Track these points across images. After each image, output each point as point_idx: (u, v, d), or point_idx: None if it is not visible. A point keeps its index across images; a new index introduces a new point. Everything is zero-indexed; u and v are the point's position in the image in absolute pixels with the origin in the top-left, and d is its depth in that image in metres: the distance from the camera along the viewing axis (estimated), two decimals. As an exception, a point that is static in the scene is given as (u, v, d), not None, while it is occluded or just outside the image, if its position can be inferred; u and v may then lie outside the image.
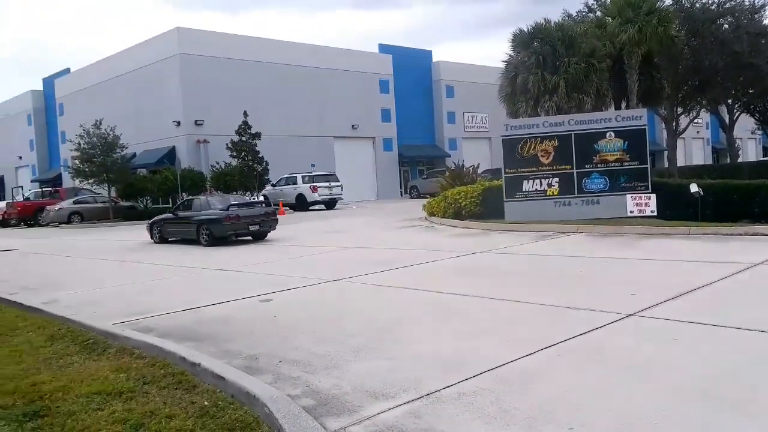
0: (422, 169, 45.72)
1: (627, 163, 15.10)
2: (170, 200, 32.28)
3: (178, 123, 34.57)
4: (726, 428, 3.50)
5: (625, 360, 4.74)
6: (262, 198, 23.97)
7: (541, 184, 15.58)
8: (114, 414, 4.16)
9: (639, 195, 14.83)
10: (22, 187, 43.48)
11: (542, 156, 15.60)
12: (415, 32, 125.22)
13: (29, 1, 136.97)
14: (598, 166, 15.25)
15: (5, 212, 33.35)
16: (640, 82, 27.11)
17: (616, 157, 15.18)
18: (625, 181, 15.06)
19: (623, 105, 28.19)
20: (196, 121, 34.47)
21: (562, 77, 24.65)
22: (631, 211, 14.76)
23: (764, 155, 62.94)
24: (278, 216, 18.26)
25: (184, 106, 34.27)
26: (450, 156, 43.74)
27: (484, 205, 16.67)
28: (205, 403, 4.24)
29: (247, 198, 27.01)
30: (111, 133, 30.39)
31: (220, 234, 15.74)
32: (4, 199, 43.14)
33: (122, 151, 31.00)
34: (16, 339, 6.51)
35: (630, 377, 4.37)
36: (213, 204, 16.80)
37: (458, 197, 17.25)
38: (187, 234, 16.62)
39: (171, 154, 34.59)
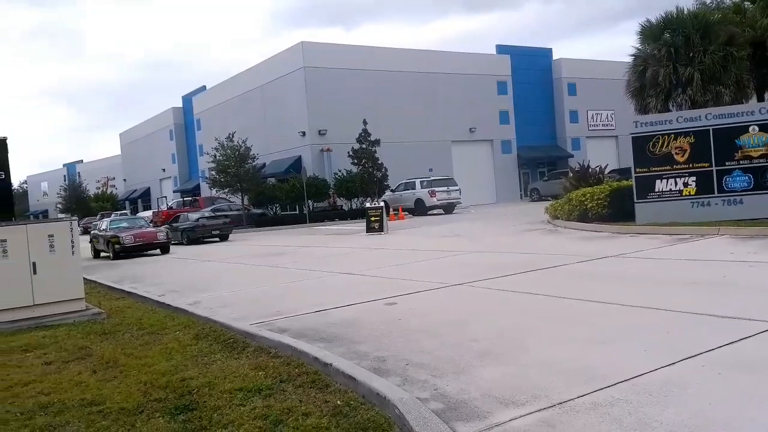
0: (543, 171, 44.49)
1: (775, 159, 13.81)
2: (297, 207, 33.78)
3: (303, 133, 36.14)
4: None
5: (781, 374, 4.34)
6: (380, 203, 24.34)
7: (675, 184, 14.64)
8: (255, 410, 4.42)
9: (791, 193, 13.50)
10: (165, 197, 47.52)
11: (677, 153, 14.66)
12: (531, 31, 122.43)
13: (168, 27, 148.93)
14: (741, 162, 14.08)
15: (152, 220, 36.52)
16: (786, 70, 24.66)
17: (760, 152, 13.94)
18: (773, 178, 13.78)
19: (767, 96, 25.80)
20: (319, 130, 35.86)
21: (696, 69, 22.99)
22: (780, 211, 13.46)
23: None
24: (398, 220, 19.04)
25: (308, 117, 35.78)
26: (573, 156, 42.25)
27: (611, 207, 15.91)
28: (338, 402, 4.40)
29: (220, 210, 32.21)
30: (243, 145, 32.35)
31: (193, 237, 24.36)
32: (150, 209, 47.32)
33: (253, 161, 32.92)
34: (166, 337, 7.10)
35: (787, 393, 3.99)
36: (191, 218, 26.25)
37: (584, 199, 16.60)
38: (175, 238, 23.81)
39: (297, 163, 36.23)
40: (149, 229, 21.74)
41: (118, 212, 42.72)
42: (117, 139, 68.27)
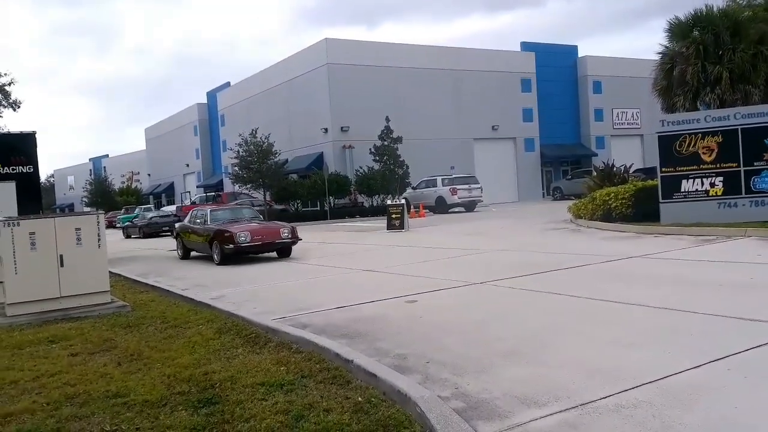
0: (566, 169, 44.07)
1: (805, 160, 13.51)
2: (318, 203, 33.91)
3: (326, 130, 36.24)
4: None
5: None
6: (401, 200, 24.29)
7: (702, 184, 14.41)
8: (277, 404, 4.45)
9: (821, 195, 13.21)
10: (189, 192, 48.01)
11: (704, 153, 14.42)
12: (554, 30, 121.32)
13: (195, 24, 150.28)
14: (770, 163, 13.79)
15: (175, 214, 36.95)
16: (819, 69, 24.08)
17: (791, 153, 13.64)
18: (803, 179, 13.49)
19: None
20: (342, 127, 35.94)
21: (725, 67, 22.56)
22: (810, 213, 13.18)
23: None
24: (418, 218, 18.93)
25: (331, 114, 35.88)
26: (597, 155, 41.80)
27: (636, 206, 15.70)
28: (359, 399, 4.41)
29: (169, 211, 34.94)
30: (266, 141, 32.54)
31: (148, 231, 29.26)
32: (174, 203, 47.86)
33: (275, 157, 33.10)
34: (189, 331, 7.18)
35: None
36: (146, 216, 31.72)
37: (608, 198, 16.41)
38: (134, 233, 30.30)
39: (319, 160, 36.36)
40: (270, 224, 16.02)
41: (142, 207, 43.24)
42: (142, 134, 68.99)
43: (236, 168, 33.43)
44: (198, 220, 16.04)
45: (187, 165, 58.03)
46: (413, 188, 32.77)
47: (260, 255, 15.09)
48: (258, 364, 5.50)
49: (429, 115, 37.62)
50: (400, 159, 32.62)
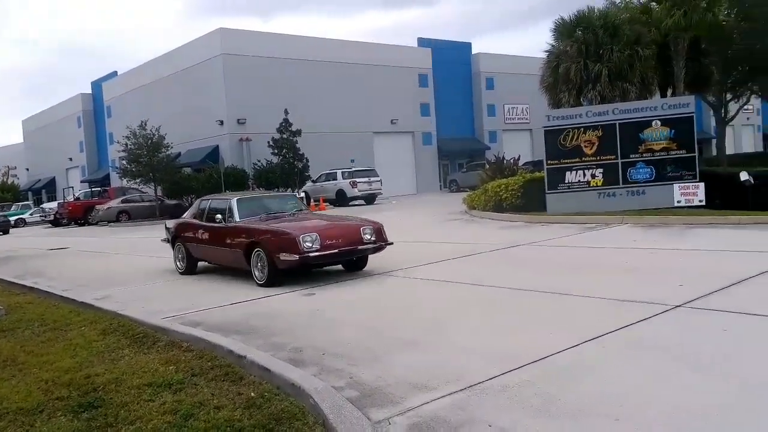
0: (462, 162, 45.43)
1: (674, 152, 14.69)
2: (214, 198, 32.84)
3: (222, 122, 35.23)
4: (781, 421, 3.38)
5: (673, 351, 4.64)
6: (301, 194, 24.10)
7: (584, 175, 15.31)
8: (165, 405, 4.28)
9: (687, 184, 14.43)
10: (72, 187, 45.00)
11: (586, 146, 15.32)
12: (448, 28, 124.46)
13: (74, 10, 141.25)
14: (644, 155, 14.89)
15: (57, 212, 34.59)
16: (687, 69, 26.27)
17: (662, 146, 14.78)
18: (672, 170, 14.66)
19: (669, 93, 27.40)
20: (238, 119, 35.08)
21: (605, 66, 24.10)
22: (678, 201, 14.37)
23: (820, 141, 60.33)
24: (319, 211, 18.63)
25: (227, 106, 34.91)
26: (490, 149, 43.37)
27: (525, 197, 16.46)
28: (252, 394, 4.33)
29: None
30: (156, 133, 31.15)
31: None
32: (56, 200, 44.78)
33: (167, 150, 31.76)
34: (71, 333, 6.74)
35: (677, 368, 4.27)
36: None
37: (499, 190, 17.08)
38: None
39: (214, 153, 35.29)
40: (342, 221, 10.16)
41: (19, 204, 40.13)
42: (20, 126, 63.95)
43: (124, 162, 31.77)
44: (215, 216, 10.06)
45: (71, 159, 54.44)
46: (313, 182, 32.60)
47: (157, 252, 14.39)
48: (145, 364, 5.26)
49: (329, 109, 37.49)
50: (300, 152, 32.35)
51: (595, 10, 25.65)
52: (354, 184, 30.54)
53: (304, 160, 32.55)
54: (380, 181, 31.69)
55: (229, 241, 9.50)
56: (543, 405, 3.79)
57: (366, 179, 30.99)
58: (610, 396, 3.86)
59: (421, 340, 5.47)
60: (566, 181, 15.39)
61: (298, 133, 32.28)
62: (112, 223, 30.09)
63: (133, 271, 11.86)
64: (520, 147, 41.79)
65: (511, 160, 21.83)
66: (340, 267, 9.64)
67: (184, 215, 11.67)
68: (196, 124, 36.90)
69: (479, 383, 4.20)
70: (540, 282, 7.54)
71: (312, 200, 28.40)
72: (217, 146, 35.74)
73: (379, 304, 7.31)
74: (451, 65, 45.19)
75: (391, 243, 9.38)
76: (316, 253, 8.35)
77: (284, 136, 32.17)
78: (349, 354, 5.17)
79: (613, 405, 3.71)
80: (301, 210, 10.60)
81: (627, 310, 5.85)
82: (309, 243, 8.32)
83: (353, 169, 32.03)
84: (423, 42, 45.01)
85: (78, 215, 33.23)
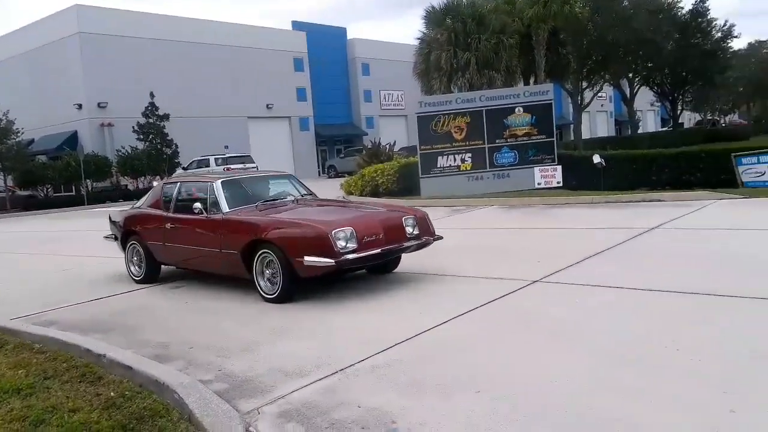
0: (340, 148, 45.57)
1: (535, 137, 15.64)
2: (73, 187, 30.65)
3: (80, 106, 32.75)
4: (627, 383, 3.71)
5: (532, 324, 4.95)
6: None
7: (455, 160, 15.90)
8: (12, 412, 3.93)
9: (546, 167, 15.42)
10: None
11: (455, 132, 15.90)
12: (329, 11, 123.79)
13: None
14: (508, 140, 15.71)
15: None
16: (547, 58, 28.03)
17: (524, 131, 15.67)
18: (533, 154, 15.61)
19: (532, 80, 29.09)
20: (99, 103, 32.78)
21: (473, 54, 25.09)
22: (538, 183, 15.34)
23: (662, 126, 66.84)
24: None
25: (86, 88, 32.47)
26: (367, 134, 43.79)
27: (400, 182, 16.83)
28: (111, 394, 4.09)
29: None
30: (4, 118, 28.38)
31: None
32: None
33: (17, 137, 29.05)
34: None
35: (535, 338, 4.56)
36: None
37: (375, 175, 17.33)
38: None
39: (73, 139, 32.79)
40: (384, 212, 7.24)
41: None
42: None
43: (-32, 150, 28.68)
44: (191, 205, 7.27)
45: None
46: (184, 169, 31.21)
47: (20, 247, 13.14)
48: (-10, 370, 4.80)
49: (199, 92, 36.00)
50: (168, 138, 30.90)
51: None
52: (228, 171, 29.64)
53: (174, 146, 31.17)
54: (256, 167, 30.92)
55: (216, 240, 6.92)
56: (410, 382, 3.90)
57: (241, 165, 30.15)
58: (475, 369, 4.05)
59: (292, 327, 5.43)
60: (438, 166, 15.90)
61: (166, 117, 30.80)
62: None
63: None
64: (397, 133, 42.58)
65: (387, 146, 22.18)
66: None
67: (138, 203, 8.89)
68: (52, 109, 34.02)
69: (350, 366, 4.25)
70: (411, 263, 7.74)
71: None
72: (76, 132, 33.22)
73: (226, 293, 7.16)
74: (327, 50, 45.01)
75: (440, 237, 7.21)
76: (354, 255, 6.03)
77: (151, 120, 30.58)
78: (219, 345, 5.03)
79: (477, 377, 3.89)
80: (304, 195, 8.08)
81: (492, 287, 6.14)
82: (343, 241, 6.02)
83: (227, 155, 31.09)
84: (297, 25, 44.41)
85: None
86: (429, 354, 4.42)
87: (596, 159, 15.03)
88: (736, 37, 38.66)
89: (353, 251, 6.02)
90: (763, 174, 12.81)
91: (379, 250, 6.25)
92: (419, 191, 15.89)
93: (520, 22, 26.67)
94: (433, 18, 26.56)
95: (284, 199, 7.66)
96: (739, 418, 3.12)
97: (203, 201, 7.23)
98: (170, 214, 7.71)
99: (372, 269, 7.25)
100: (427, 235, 6.93)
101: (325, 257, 5.90)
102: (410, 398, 3.67)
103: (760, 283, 5.52)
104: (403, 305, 5.88)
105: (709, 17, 37.01)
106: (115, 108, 32.71)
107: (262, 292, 6.46)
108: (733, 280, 5.68)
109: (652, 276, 6.08)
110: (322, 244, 5.95)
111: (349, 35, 47.76)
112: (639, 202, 12.11)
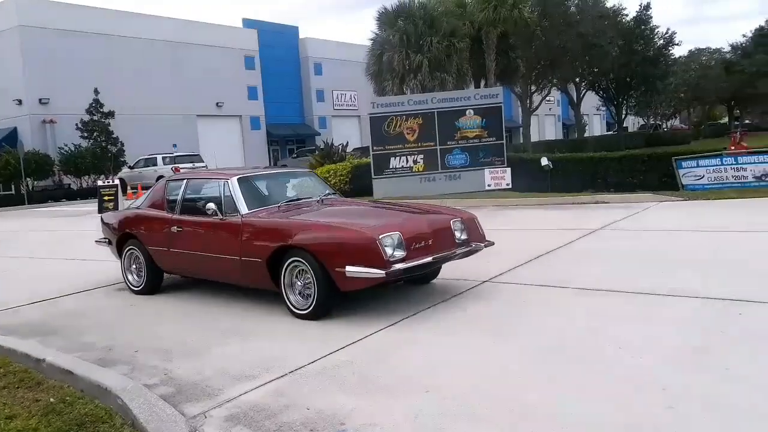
0: (293, 148, 45.21)
1: (485, 140, 15.87)
2: (13, 186, 29.49)
3: (20, 101, 31.54)
4: (562, 374, 3.82)
5: (480, 323, 5.02)
6: (115, 181, 22.46)
7: (407, 161, 15.99)
8: (-57, 422, 3.76)
9: (496, 169, 15.67)
10: None
11: (408, 133, 15.99)
12: (282, 11, 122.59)
13: None
14: (460, 142, 15.90)
15: None
16: (497, 62, 28.53)
17: (475, 133, 15.89)
18: (483, 156, 15.83)
19: (482, 83, 29.54)
20: (40, 99, 31.62)
21: (425, 56, 25.34)
22: (489, 185, 15.58)
23: (608, 130, 68.89)
24: (137, 199, 17.51)
25: (26, 83, 31.28)
26: (320, 134, 43.61)
27: (353, 183, 16.83)
28: (51, 400, 3.95)
29: None
30: (-64, 113, 27.08)
31: None
32: None
33: (-49, 133, 27.77)
34: None
35: (482, 338, 4.64)
36: None
37: (328, 176, 17.25)
38: None
39: (12, 136, 31.53)
40: (430, 214, 6.24)
41: None
42: None
43: None
44: (204, 205, 6.34)
45: None
46: (130, 167, 30.44)
47: None
48: None
49: (146, 90, 35.11)
50: (114, 136, 30.06)
51: (416, 1, 26.82)
52: (176, 170, 29.00)
53: (119, 145, 30.36)
54: (206, 166, 30.38)
55: (235, 246, 5.98)
56: (359, 383, 3.91)
57: (190, 165, 29.58)
58: (423, 370, 4.09)
59: (242, 329, 5.37)
60: (391, 167, 15.97)
61: (111, 114, 29.98)
62: None
63: None
64: (350, 133, 42.54)
65: (340, 147, 22.16)
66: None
67: (137, 203, 8.21)
68: (-11, 104, 32.65)
69: (300, 368, 4.23)
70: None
71: (129, 187, 26.56)
72: (16, 129, 31.95)
73: (191, 291, 7.04)
74: (279, 49, 44.57)
75: (492, 243, 6.34)
76: (403, 264, 5.17)
77: (95, 117, 29.70)
78: (165, 349, 4.92)
79: (424, 377, 3.93)
80: (328, 194, 7.04)
81: (438, 290, 6.21)
82: (391, 248, 5.18)
83: (175, 153, 30.45)
84: (248, 23, 43.83)
85: None
86: (379, 355, 4.43)
87: (544, 161, 15.38)
88: (677, 44, 40.29)
89: (402, 260, 5.18)
90: (701, 177, 13.33)
91: (430, 259, 5.43)
92: (372, 192, 15.92)
93: (471, 26, 27.08)
94: (385, 19, 26.70)
95: (308, 199, 6.71)
96: (678, 413, 3.25)
97: (216, 201, 6.27)
98: (177, 216, 6.74)
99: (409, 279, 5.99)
100: (476, 240, 6.10)
101: (372, 267, 5.04)
102: (359, 398, 3.67)
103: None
104: (343, 310, 5.87)
105: (651, 25, 38.35)
106: (57, 104, 31.60)
107: (292, 308, 5.59)
108: (681, 280, 5.91)
109: (600, 275, 6.27)
110: (368, 252, 5.10)
111: (302, 35, 47.44)
112: (584, 204, 12.44)
